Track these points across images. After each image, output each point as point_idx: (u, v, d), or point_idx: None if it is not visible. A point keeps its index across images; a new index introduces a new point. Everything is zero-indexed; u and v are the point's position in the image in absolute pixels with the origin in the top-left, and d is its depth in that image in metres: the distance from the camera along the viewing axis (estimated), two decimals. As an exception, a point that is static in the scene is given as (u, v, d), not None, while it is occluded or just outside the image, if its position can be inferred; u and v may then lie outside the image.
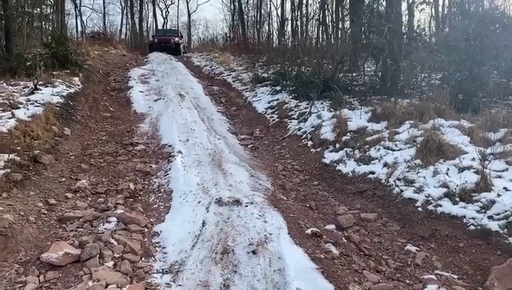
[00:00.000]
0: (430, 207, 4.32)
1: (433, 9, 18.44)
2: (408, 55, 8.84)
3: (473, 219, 3.93)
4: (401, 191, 4.73)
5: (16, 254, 3.48)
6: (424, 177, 4.72)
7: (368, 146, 5.78)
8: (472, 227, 3.86)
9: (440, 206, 4.25)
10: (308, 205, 4.83)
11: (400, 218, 4.45)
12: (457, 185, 4.36)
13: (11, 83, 8.13)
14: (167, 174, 5.55)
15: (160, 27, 34.68)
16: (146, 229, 4.08)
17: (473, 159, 4.72)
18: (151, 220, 4.32)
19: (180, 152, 6.21)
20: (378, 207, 4.73)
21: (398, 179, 4.92)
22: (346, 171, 5.55)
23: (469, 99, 7.06)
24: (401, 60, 8.65)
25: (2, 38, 10.82)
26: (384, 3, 16.21)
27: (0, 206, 3.94)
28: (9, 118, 5.87)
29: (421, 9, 14.18)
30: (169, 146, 6.62)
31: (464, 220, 3.97)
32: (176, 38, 23.70)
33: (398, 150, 5.46)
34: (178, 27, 34.70)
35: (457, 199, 4.25)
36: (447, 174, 4.63)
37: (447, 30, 13.69)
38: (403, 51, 8.83)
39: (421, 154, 5.13)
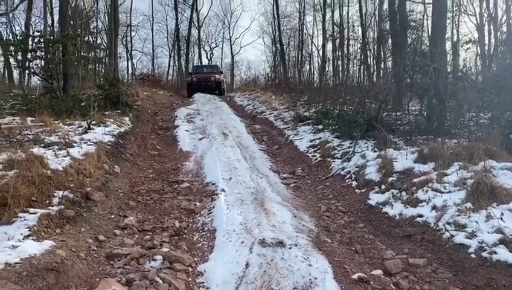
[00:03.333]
0: (485, 254, 4.10)
1: (478, 48, 18.15)
2: (454, 94, 8.66)
3: (533, 268, 3.70)
4: (452, 236, 4.53)
5: (66, 289, 3.59)
6: (477, 222, 4.51)
7: (415, 188, 5.62)
8: (532, 277, 3.62)
9: (495, 253, 4.02)
10: (353, 248, 4.71)
11: (451, 265, 4.24)
12: (513, 231, 4.13)
13: (67, 123, 8.65)
14: (211, 212, 5.62)
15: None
16: (190, 269, 4.11)
17: (530, 203, 4.48)
18: (195, 259, 4.35)
19: (223, 190, 6.29)
20: (427, 252, 4.54)
21: (448, 223, 4.72)
22: (393, 214, 5.39)
23: (522, 140, 6.77)
24: (447, 100, 8.48)
25: (61, 81, 11.61)
26: (427, 42, 16.15)
27: (53, 242, 4.12)
28: (64, 157, 6.21)
29: (467, 49, 13.96)
30: (213, 184, 6.72)
31: (523, 270, 3.73)
32: (217, 76, 22.32)
33: (447, 193, 5.27)
34: (221, 66, 35.68)
35: (514, 246, 4.02)
36: (501, 219, 4.40)
37: (494, 69, 13.35)
38: (448, 91, 8.67)
39: (472, 197, 4.92)
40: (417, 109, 10.48)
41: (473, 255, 4.16)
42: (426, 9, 19.85)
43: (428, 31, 19.07)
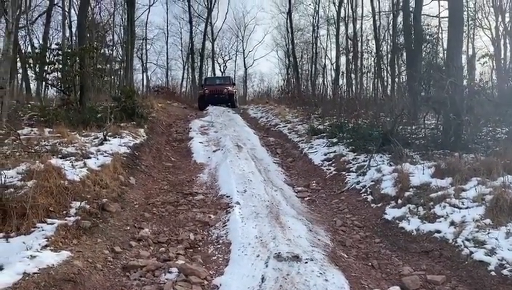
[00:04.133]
0: (505, 272, 4.00)
1: (494, 62, 18.00)
2: (471, 109, 8.57)
3: (556, 288, 3.60)
4: (471, 252, 4.43)
5: (83, 300, 3.61)
6: (496, 239, 4.41)
7: (432, 203, 5.54)
8: (556, 297, 3.53)
9: (516, 271, 3.93)
10: (370, 263, 4.64)
11: (470, 282, 4.15)
12: (535, 249, 4.04)
13: (83, 134, 8.78)
14: (225, 225, 5.61)
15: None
16: (206, 282, 4.09)
17: (551, 220, 4.38)
18: (210, 272, 4.34)
19: (238, 203, 6.29)
20: (445, 269, 4.45)
21: (467, 240, 4.63)
22: (410, 229, 5.31)
23: (541, 156, 6.65)
24: (464, 114, 8.39)
25: (77, 93, 11.82)
26: (442, 56, 16.08)
27: (71, 253, 4.14)
28: (81, 168, 6.29)
29: (484, 63, 13.82)
30: (228, 197, 6.72)
31: (546, 289, 3.63)
32: (229, 88, 21.82)
33: (466, 208, 5.18)
34: (235, 78, 35.93)
35: (536, 264, 3.93)
36: (522, 236, 4.31)
37: (511, 83, 13.21)
38: (465, 105, 8.59)
39: (491, 213, 4.83)
40: (433, 123, 10.39)
41: (493, 273, 4.07)
42: (441, 23, 19.85)
43: (443, 44, 19.08)
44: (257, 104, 21.31)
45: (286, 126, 13.78)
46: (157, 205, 6.39)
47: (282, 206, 6.36)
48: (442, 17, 18.93)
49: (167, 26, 36.49)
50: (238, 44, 41.06)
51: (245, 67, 40.97)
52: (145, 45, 34.84)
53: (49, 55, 12.12)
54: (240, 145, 10.39)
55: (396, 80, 18.39)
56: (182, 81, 37.22)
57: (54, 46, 16.59)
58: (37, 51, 14.81)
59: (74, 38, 19.99)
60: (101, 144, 7.99)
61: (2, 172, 4.89)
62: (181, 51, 38.61)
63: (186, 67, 37.19)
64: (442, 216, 5.22)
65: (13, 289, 3.31)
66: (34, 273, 3.59)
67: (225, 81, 23.45)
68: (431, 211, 5.41)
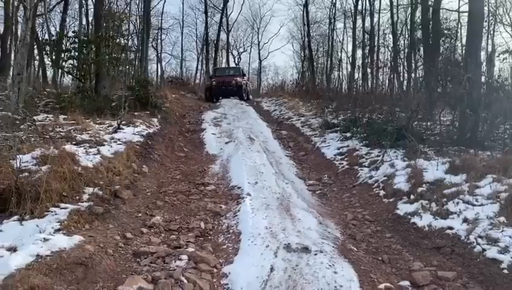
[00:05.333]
0: (518, 270, 3.94)
1: (514, 58, 17.60)
2: (488, 105, 8.41)
3: None
4: (484, 250, 4.37)
5: (94, 284, 3.64)
6: (510, 237, 4.33)
7: (445, 199, 5.47)
8: None
9: (530, 270, 3.87)
10: (380, 258, 4.61)
11: (482, 279, 4.09)
12: (549, 249, 3.96)
13: (98, 122, 8.86)
14: (236, 215, 5.63)
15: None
16: (215, 270, 4.12)
17: None
18: (220, 260, 4.36)
19: (249, 194, 6.29)
20: (457, 265, 4.40)
21: (480, 237, 4.56)
22: (422, 225, 5.25)
23: (560, 154, 6.51)
24: (481, 111, 8.24)
25: (92, 81, 11.92)
26: (460, 51, 15.80)
27: (82, 237, 4.19)
28: (95, 154, 6.37)
29: (503, 59, 13.49)
30: (239, 188, 6.74)
31: (560, 289, 3.57)
32: (238, 79, 20.58)
33: (480, 205, 5.10)
34: (249, 73, 35.80)
35: (550, 263, 3.86)
36: (537, 235, 4.24)
37: (531, 80, 12.90)
38: (482, 102, 8.44)
39: (505, 211, 4.75)
40: (449, 119, 10.24)
41: (505, 271, 4.00)
42: (460, 18, 19.47)
43: (462, 39, 18.73)
44: (271, 97, 21.23)
45: (299, 120, 13.73)
46: (169, 193, 6.44)
47: (293, 199, 6.35)
48: (462, 12, 18.50)
49: (182, 17, 36.56)
50: (253, 36, 41.07)
51: (260, 59, 40.93)
52: (160, 35, 34.87)
53: (66, 43, 12.24)
54: (252, 138, 10.39)
55: (413, 75, 18.12)
56: (196, 72, 37.39)
57: (70, 34, 16.78)
58: (53, 38, 14.99)
59: (90, 26, 20.13)
60: (115, 132, 8.07)
61: (17, 156, 4.96)
62: (196, 41, 38.75)
63: (201, 58, 37.30)
64: (455, 213, 5.15)
65: (26, 270, 3.36)
66: (47, 255, 3.64)
67: (235, 72, 22.33)
68: (444, 207, 5.34)
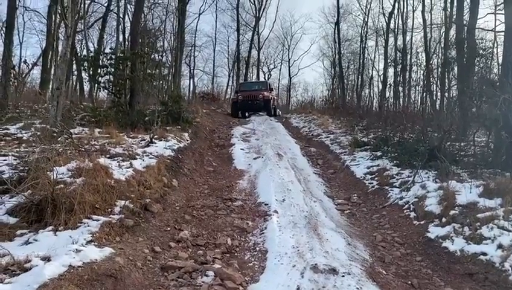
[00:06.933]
0: (556, 302, 3.76)
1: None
2: (526, 127, 8.13)
3: None
4: (520, 278, 4.21)
5: (122, 296, 3.72)
6: (548, 266, 4.16)
7: (479, 223, 5.29)
8: None
9: None
10: (409, 282, 4.49)
11: (518, 310, 3.93)
12: None
13: (131, 136, 9.09)
14: (263, 233, 5.63)
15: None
16: (241, 288, 4.12)
17: None
18: (246, 278, 4.36)
19: (276, 212, 6.29)
20: (491, 294, 4.24)
21: (516, 265, 4.39)
22: (454, 249, 5.09)
23: None
24: (518, 133, 7.97)
25: (127, 96, 12.27)
26: (496, 71, 15.39)
27: (113, 249, 4.28)
28: (127, 168, 6.52)
29: (541, 80, 13.05)
30: (266, 204, 6.74)
31: None
32: (265, 93, 19.96)
33: (516, 232, 4.92)
34: (278, 89, 35.93)
35: None
36: None
37: None
38: (519, 123, 8.16)
39: (543, 239, 4.56)
40: (483, 140, 9.95)
41: (543, 302, 3.84)
42: (496, 37, 19.00)
43: (498, 59, 18.23)
44: (300, 114, 21.19)
45: (329, 137, 13.63)
46: (197, 208, 6.51)
47: (321, 218, 6.29)
48: (498, 32, 18.08)
49: (215, 34, 37.26)
50: (283, 53, 41.27)
51: (289, 76, 41.02)
52: (193, 52, 35.70)
53: (103, 59, 12.68)
54: (280, 154, 10.40)
55: (446, 94, 17.74)
56: (227, 88, 37.80)
57: (107, 50, 17.41)
58: (91, 54, 15.57)
59: (127, 43, 20.81)
60: (147, 146, 8.25)
61: (54, 168, 5.14)
62: (227, 58, 39.34)
63: (232, 74, 37.77)
64: (489, 238, 4.98)
65: (59, 280, 3.46)
66: (79, 266, 3.73)
67: (261, 86, 21.52)
68: (477, 232, 5.17)
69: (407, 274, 4.75)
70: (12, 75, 13.77)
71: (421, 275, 4.74)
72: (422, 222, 6.09)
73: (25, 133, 8.29)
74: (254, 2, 35.79)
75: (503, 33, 11.11)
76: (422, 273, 4.81)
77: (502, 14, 14.27)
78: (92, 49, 20.95)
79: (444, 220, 5.81)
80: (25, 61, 16.51)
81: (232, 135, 13.62)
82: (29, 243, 4.18)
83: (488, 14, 19.66)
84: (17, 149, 7.05)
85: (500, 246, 4.78)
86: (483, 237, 5.06)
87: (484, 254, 4.80)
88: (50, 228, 4.47)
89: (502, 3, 16.72)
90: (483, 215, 5.43)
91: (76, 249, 3.98)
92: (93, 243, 4.29)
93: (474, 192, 6.18)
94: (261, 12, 35.97)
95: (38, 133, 7.38)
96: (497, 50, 19.16)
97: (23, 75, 17.14)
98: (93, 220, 4.77)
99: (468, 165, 8.05)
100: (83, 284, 3.55)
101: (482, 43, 16.98)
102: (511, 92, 7.92)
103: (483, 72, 14.81)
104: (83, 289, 3.50)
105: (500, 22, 18.79)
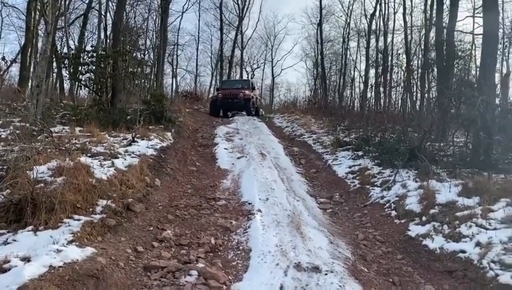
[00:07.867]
0: (532, 297, 3.87)
1: (530, 81, 17.45)
2: (503, 128, 8.35)
3: None
4: (497, 275, 4.30)
5: (104, 296, 3.68)
6: (524, 263, 4.27)
7: (458, 222, 5.40)
8: None
9: (544, 298, 3.80)
10: (391, 279, 4.56)
11: (495, 305, 4.03)
12: None
13: (113, 134, 8.99)
14: (246, 231, 5.63)
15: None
16: (224, 287, 4.11)
17: None
18: (229, 277, 4.36)
19: (259, 211, 6.30)
20: (469, 290, 4.34)
21: (493, 262, 4.49)
22: (434, 247, 5.19)
23: None
24: (495, 133, 8.18)
25: (109, 94, 12.13)
26: (475, 73, 15.75)
27: (95, 249, 4.23)
28: (109, 167, 6.45)
29: (518, 82, 13.43)
30: (249, 203, 6.75)
31: None
32: (247, 92, 19.30)
33: (493, 230, 5.03)
34: (262, 89, 36.03)
35: None
36: (552, 262, 4.16)
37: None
38: (496, 124, 8.38)
39: (520, 236, 4.68)
40: (462, 140, 10.17)
41: (519, 298, 3.94)
42: (475, 40, 19.45)
43: (476, 61, 18.68)
44: (283, 114, 21.26)
45: (311, 137, 13.73)
46: (180, 207, 6.47)
47: (304, 217, 6.34)
48: (477, 34, 18.54)
49: (198, 33, 37.08)
50: (266, 53, 41.43)
51: (273, 76, 41.24)
52: (176, 51, 35.51)
53: (84, 57, 12.51)
54: (263, 153, 10.43)
55: (426, 95, 18.08)
56: (210, 87, 37.72)
57: (88, 48, 17.16)
58: (72, 52, 15.34)
59: (108, 41, 20.56)
60: (129, 145, 8.17)
61: (34, 167, 5.05)
62: (210, 57, 39.24)
63: (215, 74, 37.70)
64: (468, 236, 5.09)
65: (39, 281, 3.41)
66: (60, 266, 3.68)
67: (243, 84, 20.71)
68: (456, 230, 5.28)
69: (388, 272, 4.82)
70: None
71: (402, 273, 4.82)
72: (403, 221, 6.19)
73: (4, 131, 8.10)
74: (237, 1, 35.84)
75: (481, 36, 11.39)
76: (403, 271, 4.89)
77: (480, 17, 14.65)
78: (72, 46, 20.63)
79: (424, 218, 5.92)
80: (3, 58, 16.09)
81: (216, 134, 13.59)
82: (8, 243, 4.10)
83: (466, 17, 20.23)
84: (-5, 148, 6.89)
85: (478, 244, 4.88)
86: (462, 235, 5.17)
87: (463, 251, 4.90)
88: (30, 227, 4.39)
89: (480, 6, 17.14)
90: (462, 214, 5.54)
91: (57, 249, 3.92)
92: (74, 243, 4.23)
93: (453, 191, 6.31)
94: (244, 12, 36.06)
95: (18, 131, 7.22)
96: (475, 52, 19.66)
97: (1, 72, 16.73)
98: (75, 219, 4.70)
99: (448, 165, 8.22)
100: (64, 284, 3.50)
101: (460, 45, 17.39)
102: (488, 93, 8.12)
103: (462, 73, 15.13)
104: (64, 289, 3.45)
105: (479, 25, 19.28)
